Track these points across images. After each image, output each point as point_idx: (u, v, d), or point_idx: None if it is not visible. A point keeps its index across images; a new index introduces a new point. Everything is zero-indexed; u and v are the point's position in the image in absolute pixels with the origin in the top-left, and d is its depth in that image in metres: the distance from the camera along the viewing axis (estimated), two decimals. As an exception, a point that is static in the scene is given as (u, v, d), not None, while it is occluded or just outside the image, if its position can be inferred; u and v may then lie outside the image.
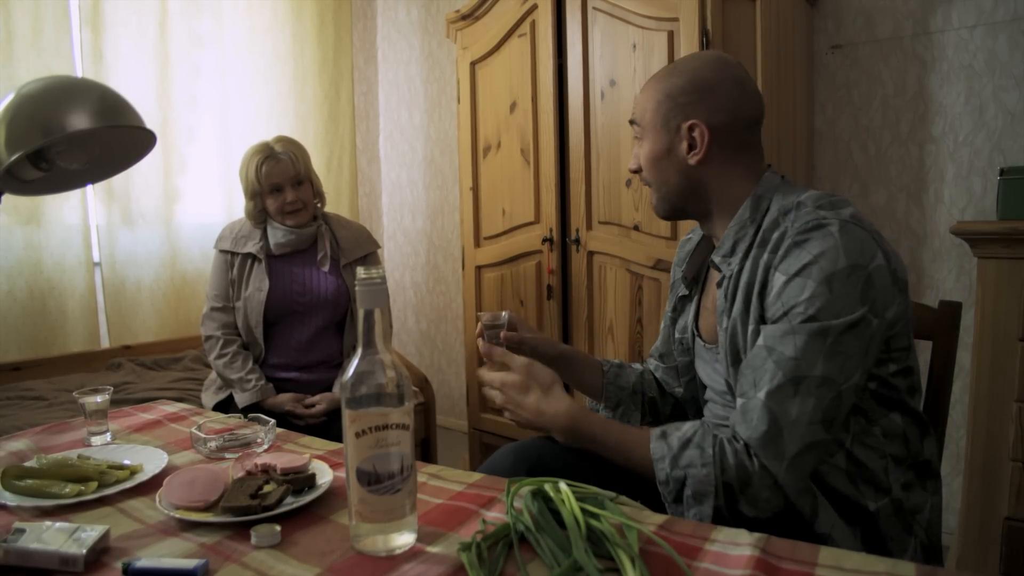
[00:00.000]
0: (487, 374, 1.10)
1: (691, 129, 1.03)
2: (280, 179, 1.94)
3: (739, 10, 1.99)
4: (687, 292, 1.20)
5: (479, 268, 2.72)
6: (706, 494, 0.91)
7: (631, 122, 1.12)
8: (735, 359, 1.01)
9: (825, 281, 0.89)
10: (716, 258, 1.06)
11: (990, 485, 1.72)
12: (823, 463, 0.95)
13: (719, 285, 1.06)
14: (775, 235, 0.97)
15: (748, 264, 1.00)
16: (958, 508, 1.86)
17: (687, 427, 0.96)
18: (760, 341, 0.93)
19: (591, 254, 2.33)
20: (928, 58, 2.18)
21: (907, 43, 2.21)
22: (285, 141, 1.99)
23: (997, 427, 1.70)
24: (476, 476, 1.00)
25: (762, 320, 0.96)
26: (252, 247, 1.97)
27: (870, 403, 0.96)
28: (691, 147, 1.04)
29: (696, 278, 1.19)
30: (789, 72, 2.17)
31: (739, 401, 0.94)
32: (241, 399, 1.89)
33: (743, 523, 0.90)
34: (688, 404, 1.27)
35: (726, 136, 1.04)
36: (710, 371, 1.14)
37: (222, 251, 2.01)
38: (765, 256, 0.97)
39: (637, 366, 1.35)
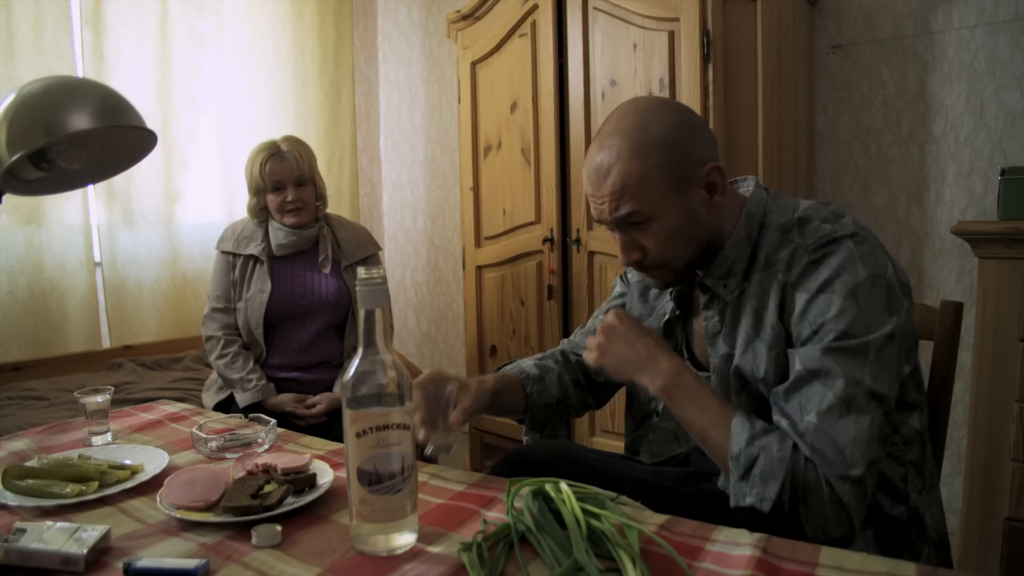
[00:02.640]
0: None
1: (709, 173, 0.97)
2: (282, 177, 1.94)
3: (740, 10, 1.99)
4: (678, 312, 1.12)
5: (480, 268, 2.73)
6: (774, 476, 0.85)
7: (619, 222, 0.98)
8: (739, 385, 0.97)
9: (850, 295, 0.88)
10: (709, 281, 1.01)
11: (991, 485, 1.72)
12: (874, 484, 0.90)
13: (706, 307, 1.02)
14: (782, 255, 0.94)
15: (753, 287, 0.96)
16: (959, 508, 1.86)
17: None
18: (798, 365, 0.89)
19: (592, 254, 2.33)
20: (929, 58, 2.18)
21: (908, 43, 2.21)
22: (292, 141, 2.01)
23: (998, 427, 1.70)
24: (477, 476, 1.00)
25: (788, 343, 0.93)
26: (254, 248, 1.97)
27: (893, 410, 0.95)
28: (711, 190, 0.98)
29: (682, 296, 1.12)
30: (790, 72, 2.17)
31: (784, 422, 0.89)
32: (242, 399, 1.89)
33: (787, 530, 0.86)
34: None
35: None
36: None
37: (224, 252, 2.01)
38: (779, 277, 0.94)
39: (551, 365, 1.23)
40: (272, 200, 1.96)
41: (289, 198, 1.94)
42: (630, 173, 0.94)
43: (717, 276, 1.01)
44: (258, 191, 1.97)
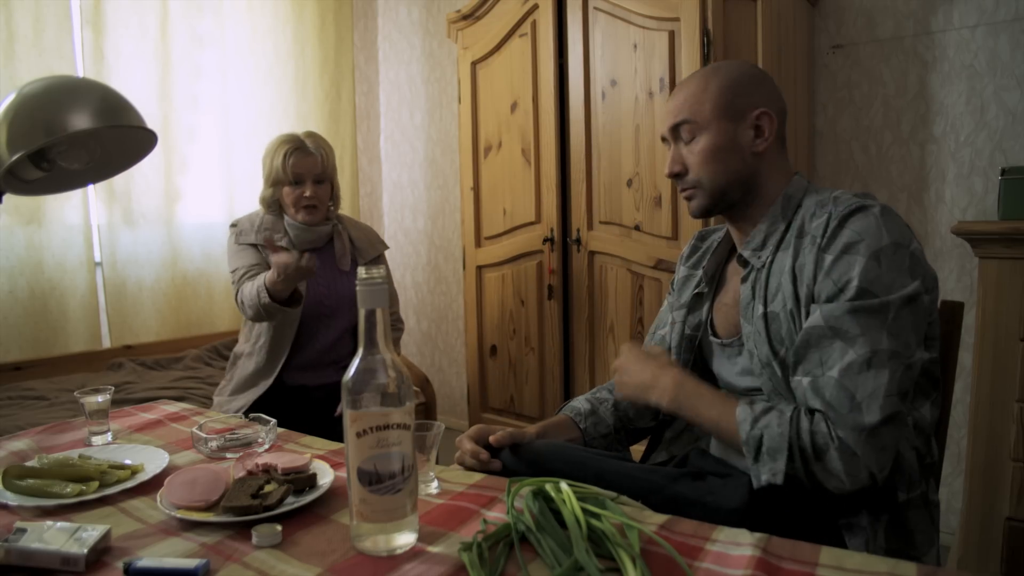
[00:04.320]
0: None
1: (759, 117, 1.06)
2: (304, 171, 1.92)
3: (740, 10, 1.99)
4: (706, 289, 1.19)
5: (480, 268, 2.73)
6: (779, 450, 0.92)
7: (676, 126, 1.09)
8: (772, 343, 1.01)
9: (873, 256, 0.92)
10: (745, 252, 1.08)
11: (991, 485, 1.71)
12: (900, 440, 0.94)
13: (744, 280, 1.07)
14: (816, 223, 0.99)
15: (788, 252, 1.01)
16: (959, 508, 1.86)
17: (776, 401, 0.99)
18: (819, 320, 0.94)
19: (592, 254, 2.33)
20: (929, 58, 2.18)
21: (908, 43, 2.21)
22: (316, 137, 1.98)
23: (998, 427, 1.70)
24: (477, 476, 1.01)
25: (812, 300, 0.97)
26: (280, 242, 1.91)
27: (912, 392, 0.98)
28: (757, 135, 1.07)
29: (713, 276, 1.19)
30: (790, 72, 2.17)
31: (805, 380, 0.94)
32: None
33: (826, 498, 0.92)
34: None
35: (779, 126, 1.08)
36: (728, 367, 1.13)
37: (250, 244, 1.93)
38: (808, 242, 0.99)
39: (606, 395, 1.28)
40: (288, 193, 1.93)
41: (307, 193, 1.92)
42: (693, 91, 1.09)
43: (752, 248, 1.07)
44: (276, 182, 1.93)
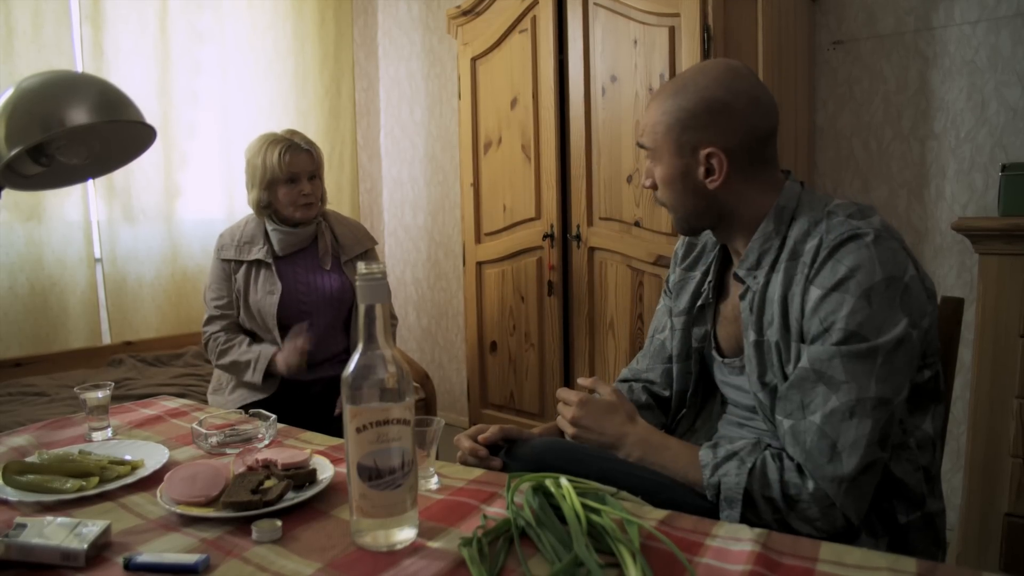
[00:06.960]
0: (566, 392, 1.09)
1: (708, 157, 1.00)
2: (300, 169, 1.93)
3: (740, 6, 1.98)
4: (711, 300, 1.15)
5: (480, 264, 2.72)
6: (735, 500, 0.92)
7: (640, 144, 1.08)
8: (762, 373, 1.00)
9: (864, 295, 0.88)
10: (740, 271, 1.04)
11: (990, 481, 1.72)
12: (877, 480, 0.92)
13: (742, 297, 1.05)
14: (808, 247, 0.95)
15: (779, 277, 0.97)
16: (958, 504, 1.86)
17: (740, 443, 0.97)
18: (805, 362, 0.91)
19: (592, 250, 2.33)
20: (930, 54, 2.17)
21: (909, 39, 2.20)
22: (302, 136, 1.99)
23: (998, 423, 1.70)
24: (477, 472, 1.01)
25: (801, 337, 0.94)
26: (258, 253, 1.95)
27: (905, 413, 0.95)
28: (708, 173, 1.01)
29: (715, 285, 1.16)
30: (790, 68, 2.17)
31: (786, 423, 0.92)
32: (261, 376, 1.87)
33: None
34: (684, 414, 1.22)
35: (742, 156, 1.00)
36: (731, 382, 1.12)
37: (224, 260, 1.97)
38: (799, 269, 0.95)
39: None
40: (285, 193, 1.92)
41: (306, 191, 1.93)
42: (653, 115, 1.05)
43: (747, 267, 1.03)
44: (272, 182, 1.93)
